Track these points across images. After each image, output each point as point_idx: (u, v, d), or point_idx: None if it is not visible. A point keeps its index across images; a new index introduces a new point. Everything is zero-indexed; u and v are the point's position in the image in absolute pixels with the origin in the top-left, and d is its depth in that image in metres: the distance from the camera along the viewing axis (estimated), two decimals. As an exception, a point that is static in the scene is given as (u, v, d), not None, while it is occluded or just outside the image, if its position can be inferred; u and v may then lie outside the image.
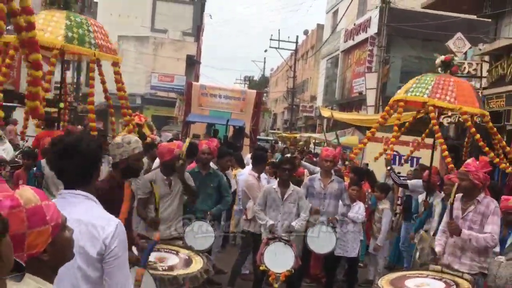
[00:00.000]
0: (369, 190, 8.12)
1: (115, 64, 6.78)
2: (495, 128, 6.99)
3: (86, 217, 2.11)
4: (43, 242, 1.50)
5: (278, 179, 5.94)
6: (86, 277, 2.13)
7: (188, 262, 4.26)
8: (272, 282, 5.27)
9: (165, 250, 4.46)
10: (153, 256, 4.12)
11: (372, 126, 7.75)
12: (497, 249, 4.70)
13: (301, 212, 5.74)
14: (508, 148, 6.96)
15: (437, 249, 4.49)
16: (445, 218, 4.62)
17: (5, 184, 1.54)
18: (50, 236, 1.52)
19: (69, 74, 22.50)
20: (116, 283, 2.16)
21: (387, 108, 7.65)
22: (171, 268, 4.11)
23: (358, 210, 6.62)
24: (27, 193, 1.51)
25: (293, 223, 5.62)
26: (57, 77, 8.18)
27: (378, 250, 7.12)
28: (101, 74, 7.00)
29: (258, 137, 21.24)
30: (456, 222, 4.34)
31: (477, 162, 4.39)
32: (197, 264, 4.23)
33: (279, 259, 5.33)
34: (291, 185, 5.82)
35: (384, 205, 7.28)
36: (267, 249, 5.41)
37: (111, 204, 3.09)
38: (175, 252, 4.44)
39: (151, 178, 4.95)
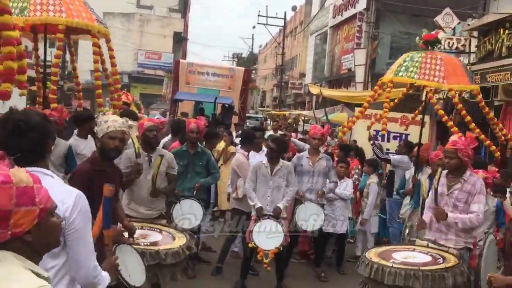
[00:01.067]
0: (359, 167, 8.15)
1: (107, 40, 6.76)
2: (483, 103, 7.00)
3: None
4: (29, 222, 1.51)
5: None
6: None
7: (170, 239, 4.28)
8: (261, 259, 5.30)
9: (148, 228, 4.46)
10: (136, 233, 4.13)
11: (361, 103, 7.75)
12: None
13: (288, 186, 5.74)
14: (500, 125, 6.99)
15: (424, 217, 4.54)
16: (431, 195, 4.64)
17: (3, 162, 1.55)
18: (37, 218, 1.53)
19: (53, 52, 22.09)
20: (77, 255, 2.15)
21: (376, 88, 7.67)
22: (153, 243, 4.12)
23: (346, 187, 6.65)
24: (20, 173, 1.53)
25: (279, 204, 5.60)
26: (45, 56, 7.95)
27: (365, 224, 7.17)
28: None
29: (247, 114, 21.14)
30: (441, 207, 4.31)
31: (463, 139, 4.36)
32: (180, 240, 4.25)
33: (268, 236, 5.35)
34: (281, 160, 5.81)
35: (371, 180, 7.33)
36: (256, 226, 5.43)
37: (91, 188, 3.03)
38: (158, 230, 4.45)
39: (132, 153, 4.80)
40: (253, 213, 5.67)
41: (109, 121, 3.45)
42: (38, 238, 1.56)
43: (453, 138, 4.46)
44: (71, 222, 2.09)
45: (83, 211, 2.15)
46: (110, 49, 6.83)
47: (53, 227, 1.63)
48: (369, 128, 7.96)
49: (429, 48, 7.12)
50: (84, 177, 3.29)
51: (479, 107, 7.15)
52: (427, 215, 4.54)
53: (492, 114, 7.01)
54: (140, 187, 4.74)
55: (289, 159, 6.85)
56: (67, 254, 2.15)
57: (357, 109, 7.89)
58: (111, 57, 6.83)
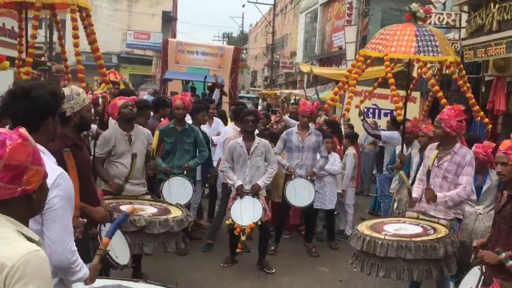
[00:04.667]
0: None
1: (88, 16, 6.62)
2: (432, 80, 7.06)
3: None
4: (37, 182, 1.55)
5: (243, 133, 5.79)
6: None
7: (166, 211, 4.34)
8: (239, 235, 5.24)
9: (138, 203, 4.47)
10: (131, 208, 4.13)
11: (351, 80, 7.68)
12: (474, 196, 4.75)
13: (268, 166, 5.67)
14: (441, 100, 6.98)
15: (414, 195, 4.51)
16: (422, 167, 4.64)
17: None
18: (42, 179, 1.58)
19: (41, 33, 21.66)
20: (53, 235, 2.10)
21: (353, 62, 7.69)
22: (155, 215, 4.20)
23: (334, 162, 6.62)
24: (28, 134, 1.57)
25: (259, 182, 5.53)
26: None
27: (343, 196, 7.12)
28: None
29: (240, 94, 20.97)
30: (431, 186, 4.28)
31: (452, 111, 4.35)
32: (176, 212, 4.34)
33: (247, 212, 5.32)
34: (256, 137, 5.70)
35: (349, 151, 7.34)
36: (235, 203, 5.41)
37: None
38: (149, 204, 4.48)
39: (111, 134, 4.71)
40: (233, 192, 5.61)
41: (80, 93, 3.30)
42: (39, 199, 1.61)
43: (444, 109, 4.47)
44: (49, 200, 2.02)
45: (63, 191, 2.11)
46: (89, 24, 6.65)
47: (46, 192, 1.68)
48: (358, 106, 7.93)
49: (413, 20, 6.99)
50: (59, 155, 3.20)
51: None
52: (419, 188, 4.54)
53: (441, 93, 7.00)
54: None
55: (275, 136, 6.81)
56: (40, 233, 2.08)
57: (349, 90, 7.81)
58: (91, 33, 6.64)
